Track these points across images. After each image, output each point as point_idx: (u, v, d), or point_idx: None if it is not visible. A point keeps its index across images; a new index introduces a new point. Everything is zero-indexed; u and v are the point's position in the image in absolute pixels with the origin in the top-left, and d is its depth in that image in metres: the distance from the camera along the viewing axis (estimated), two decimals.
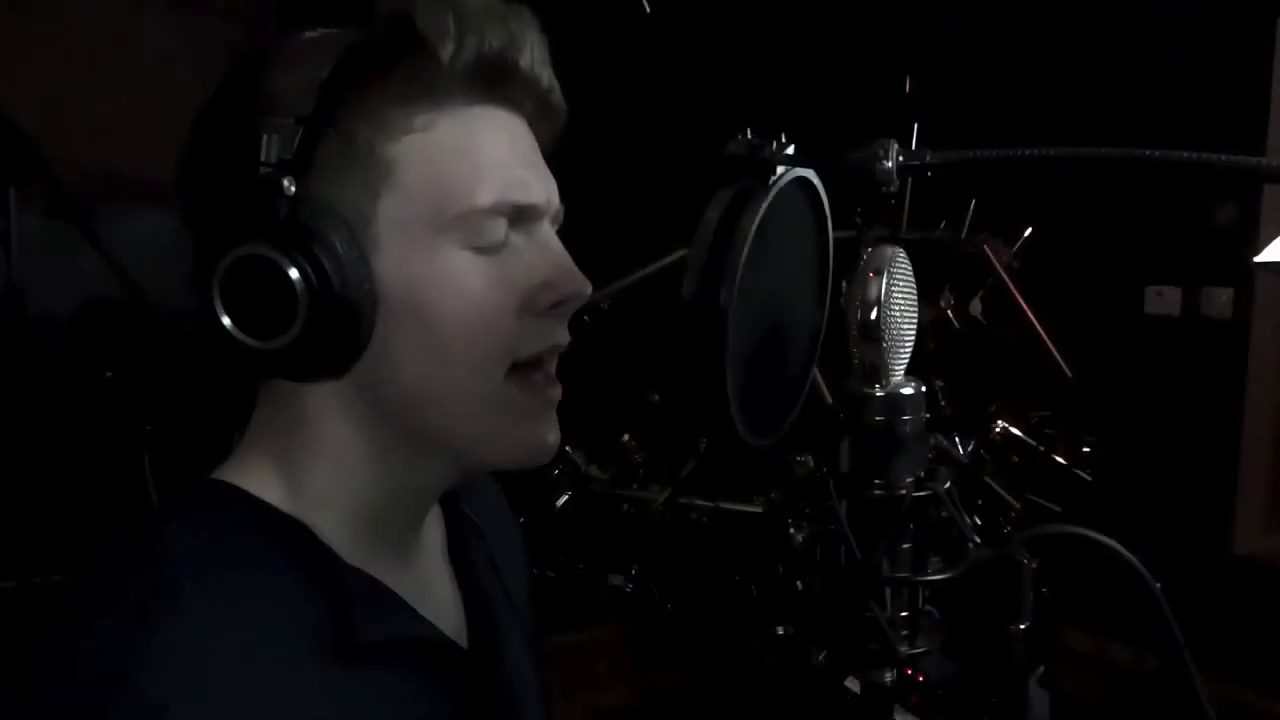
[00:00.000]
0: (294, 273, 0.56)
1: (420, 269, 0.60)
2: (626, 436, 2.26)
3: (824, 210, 0.70)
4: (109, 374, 2.50)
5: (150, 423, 2.24)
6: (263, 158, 0.56)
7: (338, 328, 0.58)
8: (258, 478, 0.63)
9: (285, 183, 0.56)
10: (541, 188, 0.64)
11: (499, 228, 0.61)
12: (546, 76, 0.65)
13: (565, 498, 2.13)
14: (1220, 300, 2.71)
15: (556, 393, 0.66)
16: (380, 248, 0.59)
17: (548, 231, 0.65)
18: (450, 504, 0.77)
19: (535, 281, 0.63)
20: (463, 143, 0.61)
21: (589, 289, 0.65)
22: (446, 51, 0.59)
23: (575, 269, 0.64)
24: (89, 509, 2.05)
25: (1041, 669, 0.65)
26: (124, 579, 0.57)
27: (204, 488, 0.64)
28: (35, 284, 2.12)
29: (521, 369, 0.63)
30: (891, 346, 0.64)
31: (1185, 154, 0.51)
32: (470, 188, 0.60)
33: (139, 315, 2.34)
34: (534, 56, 0.64)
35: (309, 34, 0.61)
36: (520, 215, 0.63)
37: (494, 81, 0.62)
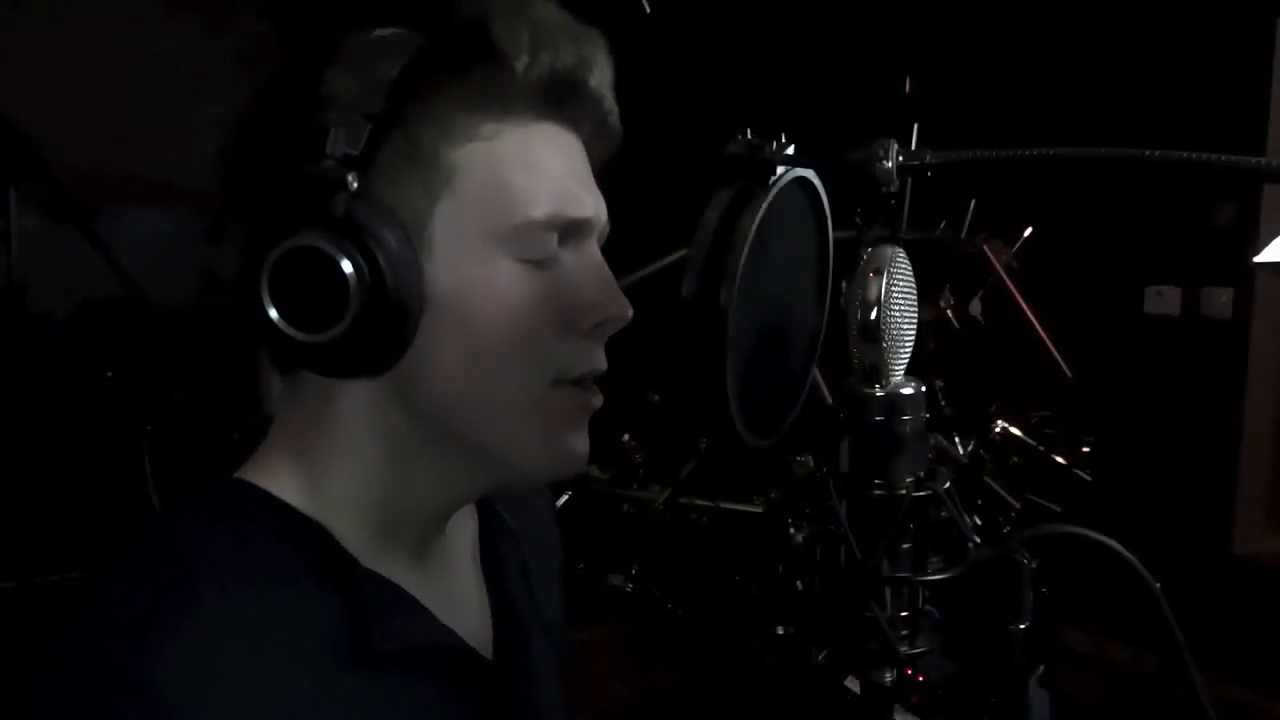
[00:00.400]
0: (348, 266, 0.55)
1: (471, 276, 0.60)
2: (626, 436, 2.26)
3: (824, 210, 0.70)
4: (109, 374, 2.50)
5: (150, 423, 2.24)
6: (328, 151, 0.56)
7: (385, 326, 0.57)
8: (279, 478, 0.63)
9: (349, 178, 0.56)
10: (593, 204, 0.64)
11: (550, 242, 0.61)
12: (609, 99, 0.65)
13: (565, 498, 2.13)
14: (1220, 300, 2.71)
15: (598, 400, 0.66)
16: (433, 251, 0.59)
17: (595, 250, 0.65)
18: (485, 503, 0.76)
19: (581, 300, 0.62)
20: (524, 155, 0.61)
21: (630, 312, 0.64)
22: (521, 64, 0.59)
23: (619, 291, 0.64)
24: (89, 509, 2.05)
25: (1041, 669, 0.65)
26: (137, 577, 0.56)
27: (223, 487, 0.63)
28: (35, 284, 2.12)
29: (561, 382, 0.63)
30: (891, 346, 0.64)
31: (1185, 154, 0.51)
32: (528, 200, 0.60)
33: (139, 315, 2.35)
34: (601, 78, 0.64)
35: (377, 32, 0.60)
36: (571, 230, 0.63)
37: (562, 100, 0.62)
